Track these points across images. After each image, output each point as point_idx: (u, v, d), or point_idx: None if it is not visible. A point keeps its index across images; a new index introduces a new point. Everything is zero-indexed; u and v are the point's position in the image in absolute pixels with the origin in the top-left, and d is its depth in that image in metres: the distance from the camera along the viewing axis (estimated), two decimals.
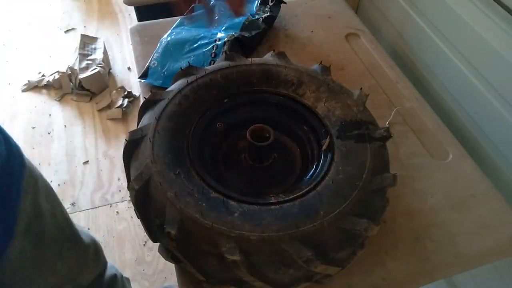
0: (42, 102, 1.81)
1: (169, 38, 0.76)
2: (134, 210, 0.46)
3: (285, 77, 0.56)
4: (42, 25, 2.19)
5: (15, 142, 0.51)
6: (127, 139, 0.47)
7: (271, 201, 0.44)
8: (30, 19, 2.22)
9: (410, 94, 0.75)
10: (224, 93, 0.54)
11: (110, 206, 1.48)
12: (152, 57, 0.74)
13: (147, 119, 0.50)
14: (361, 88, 0.55)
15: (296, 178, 0.53)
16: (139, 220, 0.46)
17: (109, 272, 0.87)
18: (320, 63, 0.59)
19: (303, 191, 0.45)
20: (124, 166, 0.49)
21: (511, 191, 0.69)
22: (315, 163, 0.52)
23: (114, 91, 1.82)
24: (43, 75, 1.89)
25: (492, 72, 0.70)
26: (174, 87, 0.53)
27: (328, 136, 0.51)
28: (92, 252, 0.75)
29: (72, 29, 2.18)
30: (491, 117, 0.71)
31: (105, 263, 0.84)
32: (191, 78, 0.54)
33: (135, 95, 1.82)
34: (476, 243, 0.55)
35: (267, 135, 0.50)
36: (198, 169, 0.45)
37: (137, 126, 0.51)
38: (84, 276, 0.72)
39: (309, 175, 0.50)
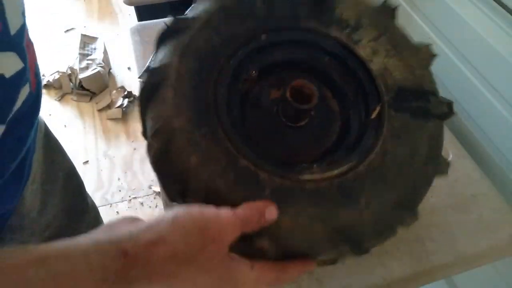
0: (43, 102, 1.80)
1: None
2: (152, 167, 0.40)
3: (341, 15, 0.45)
4: (42, 24, 2.19)
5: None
6: (143, 80, 0.40)
7: (307, 177, 0.38)
8: (29, 18, 2.21)
9: None
10: (263, 26, 0.44)
11: (110, 206, 1.48)
12: (152, 57, 0.74)
13: (167, 53, 0.41)
14: (429, 45, 0.46)
15: (333, 144, 0.45)
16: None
17: None
18: (385, 1, 0.47)
19: (343, 169, 0.38)
20: (140, 111, 0.41)
21: (511, 191, 0.69)
22: (358, 132, 0.43)
23: (114, 91, 1.82)
24: (43, 75, 1.89)
25: (492, 72, 0.70)
26: (201, 11, 0.43)
27: (380, 103, 0.42)
28: (92, 215, 0.77)
29: (72, 28, 2.18)
30: (491, 117, 0.71)
31: None
32: (223, 1, 0.43)
33: (135, 95, 1.82)
34: (476, 243, 0.55)
35: (310, 93, 0.42)
36: (226, 126, 0.38)
37: (151, 59, 0.43)
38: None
39: (351, 145, 0.43)
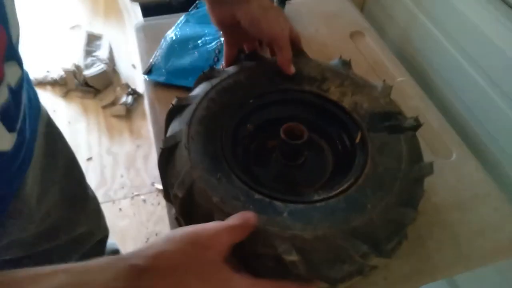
0: (47, 98, 1.82)
1: (173, 35, 0.76)
2: (177, 218, 0.47)
3: (308, 74, 0.56)
4: (47, 21, 2.20)
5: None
6: (161, 147, 0.47)
7: (315, 198, 0.44)
8: (35, 16, 2.23)
9: (414, 93, 0.75)
10: (249, 94, 0.55)
11: (113, 203, 1.48)
12: (156, 53, 0.74)
13: (177, 125, 0.49)
14: (384, 80, 0.55)
15: (331, 174, 0.53)
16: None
17: (112, 246, 0.90)
18: (340, 57, 0.59)
19: (345, 186, 0.45)
20: (160, 175, 0.49)
21: None
22: (349, 158, 0.51)
23: (119, 88, 1.82)
24: (48, 72, 1.90)
25: (497, 71, 0.70)
26: (198, 91, 0.53)
27: (360, 130, 0.51)
28: (92, 207, 0.78)
29: (77, 26, 2.18)
30: (496, 116, 0.71)
31: (105, 229, 0.87)
32: (215, 81, 0.54)
33: (139, 92, 1.82)
34: (479, 243, 0.55)
35: (300, 133, 0.50)
36: (237, 172, 0.46)
37: (165, 133, 0.51)
38: (80, 227, 0.73)
39: (345, 170, 0.50)
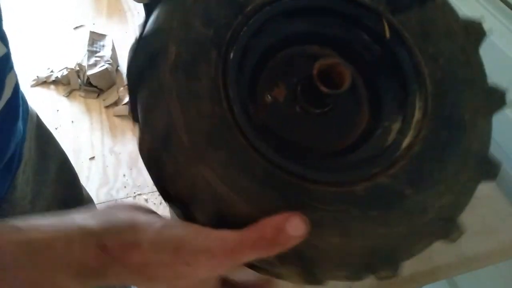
0: (50, 97, 1.83)
1: None
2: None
3: None
4: (51, 21, 2.21)
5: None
6: (147, 146, 0.29)
7: (356, 177, 0.30)
8: (39, 15, 2.24)
9: None
10: (236, 9, 0.32)
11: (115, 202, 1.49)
12: None
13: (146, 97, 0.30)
14: None
15: (369, 121, 0.36)
16: None
17: None
18: None
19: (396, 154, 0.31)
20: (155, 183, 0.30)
21: None
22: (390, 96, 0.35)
23: (122, 88, 1.83)
24: (51, 71, 1.91)
25: (498, 73, 0.70)
26: (164, 21, 0.33)
27: (378, 16, 0.33)
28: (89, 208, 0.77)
29: (81, 25, 2.19)
30: (496, 118, 0.71)
31: None
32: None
33: None
34: (479, 244, 0.55)
35: (339, 76, 0.32)
36: (257, 144, 0.28)
37: (133, 117, 0.32)
38: None
39: (385, 119, 0.34)
